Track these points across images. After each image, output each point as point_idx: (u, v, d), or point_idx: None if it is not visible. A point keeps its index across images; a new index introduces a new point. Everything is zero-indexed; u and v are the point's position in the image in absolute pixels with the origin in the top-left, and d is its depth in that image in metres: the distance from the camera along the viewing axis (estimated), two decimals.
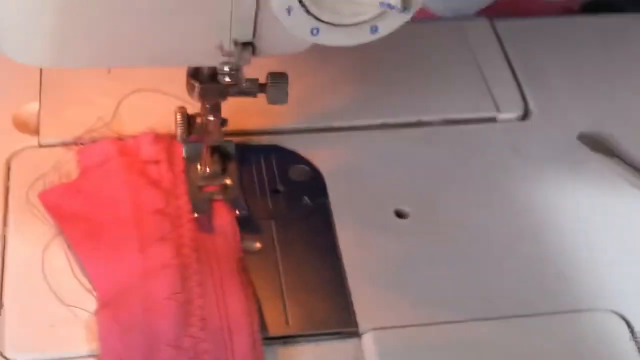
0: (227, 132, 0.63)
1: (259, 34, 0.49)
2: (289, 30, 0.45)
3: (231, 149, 0.64)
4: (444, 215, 0.63)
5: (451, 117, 0.69)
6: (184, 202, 0.61)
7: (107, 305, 0.55)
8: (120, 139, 0.65)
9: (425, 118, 0.69)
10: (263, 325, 0.56)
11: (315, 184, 0.64)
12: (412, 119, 0.69)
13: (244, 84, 0.50)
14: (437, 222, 0.62)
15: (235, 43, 0.48)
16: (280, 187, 0.64)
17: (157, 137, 0.65)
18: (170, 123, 0.63)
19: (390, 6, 0.45)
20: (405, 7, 0.45)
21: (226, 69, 0.49)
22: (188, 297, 0.56)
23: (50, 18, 0.48)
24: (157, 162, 0.63)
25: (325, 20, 0.47)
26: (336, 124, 0.68)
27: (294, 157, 0.65)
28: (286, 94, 0.56)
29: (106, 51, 0.49)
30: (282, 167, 0.65)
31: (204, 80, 0.55)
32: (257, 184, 0.64)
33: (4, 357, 0.54)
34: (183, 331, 0.54)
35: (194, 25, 0.49)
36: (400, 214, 0.63)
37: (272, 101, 0.57)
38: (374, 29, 0.46)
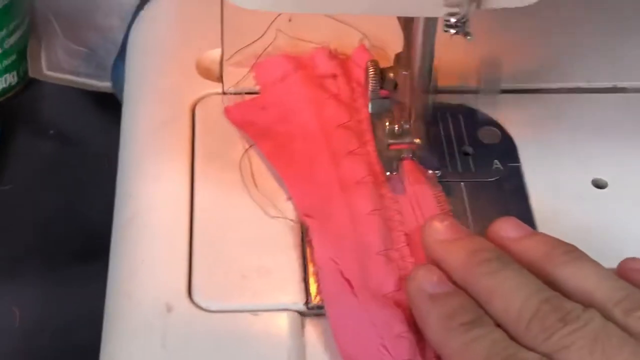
0: None
1: None
2: None
3: (419, 107, 0.62)
4: None
5: None
6: (365, 117, 0.61)
7: (312, 216, 0.55)
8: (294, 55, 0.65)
9: (621, 84, 0.65)
10: None
11: (505, 148, 0.61)
12: (607, 84, 0.65)
13: (468, 38, 0.48)
14: (638, 195, 0.59)
15: None
16: (469, 150, 0.61)
17: (332, 53, 0.65)
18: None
19: None
20: None
21: (452, 20, 0.46)
22: (387, 214, 0.56)
23: None
24: (334, 76, 0.63)
25: None
26: (526, 85, 0.65)
27: (483, 119, 0.63)
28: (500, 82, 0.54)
29: None
30: (471, 129, 0.62)
31: None
32: (445, 145, 0.61)
33: (195, 304, 0.53)
34: (390, 244, 0.55)
35: None
36: (598, 185, 0.60)
37: (485, 92, 0.55)
38: None
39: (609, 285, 0.48)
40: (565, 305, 0.47)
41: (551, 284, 0.49)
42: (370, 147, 0.60)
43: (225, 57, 0.65)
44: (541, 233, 0.54)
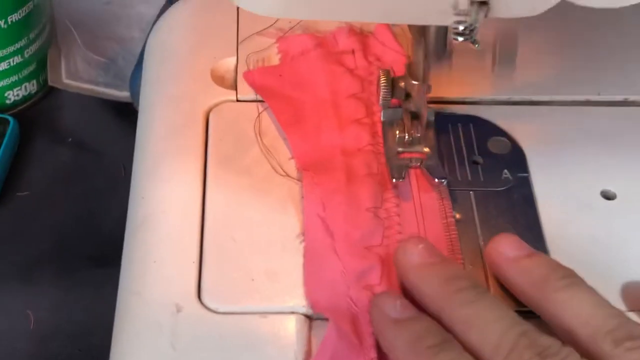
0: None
1: None
2: None
3: (431, 116, 0.62)
4: None
5: None
6: (376, 88, 0.64)
7: (309, 169, 0.59)
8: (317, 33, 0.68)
9: (632, 97, 0.65)
10: None
11: (515, 158, 0.62)
12: (618, 97, 0.65)
13: (476, 46, 0.48)
14: None
15: (471, 2, 0.46)
16: (478, 159, 0.62)
17: (352, 30, 0.68)
18: None
19: None
20: None
21: (460, 28, 0.47)
22: (382, 179, 0.59)
23: None
24: (352, 51, 0.67)
25: None
26: (537, 97, 0.65)
27: (493, 129, 0.63)
28: (515, 56, 0.54)
29: (338, 4, 0.48)
30: (481, 139, 0.63)
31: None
32: (455, 154, 0.62)
33: (204, 305, 0.54)
34: (380, 204, 0.57)
35: None
36: (607, 196, 0.60)
37: (501, 65, 0.55)
38: None
39: (602, 313, 0.48)
40: (542, 341, 0.47)
41: (545, 308, 0.50)
42: (377, 118, 0.63)
43: (240, 66, 0.66)
44: (540, 254, 0.53)
